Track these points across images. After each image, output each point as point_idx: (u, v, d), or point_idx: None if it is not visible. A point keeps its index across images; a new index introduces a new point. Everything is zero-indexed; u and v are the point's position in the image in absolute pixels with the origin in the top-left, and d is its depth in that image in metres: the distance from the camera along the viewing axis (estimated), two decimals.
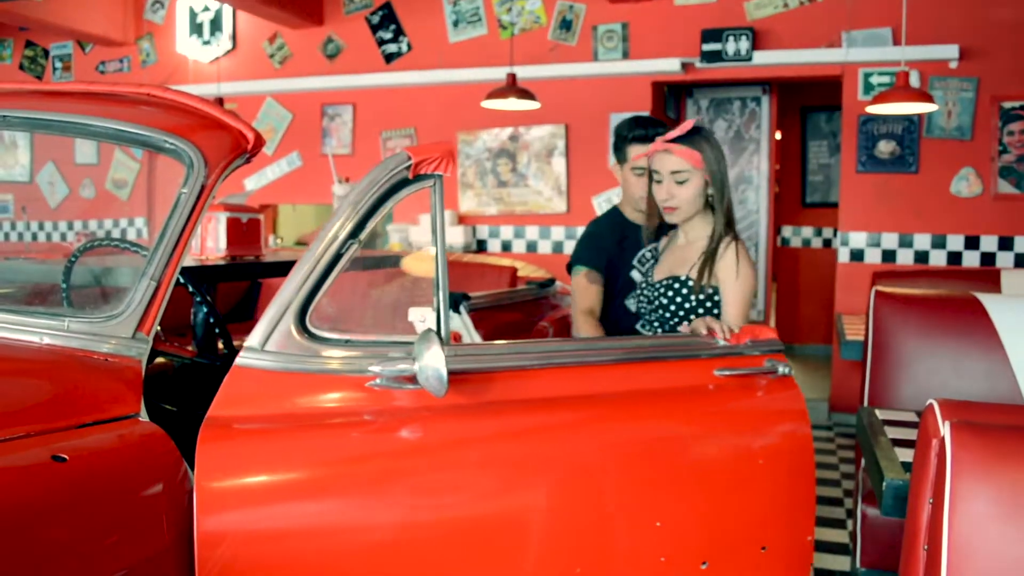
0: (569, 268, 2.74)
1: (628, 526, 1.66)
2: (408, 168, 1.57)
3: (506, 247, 6.03)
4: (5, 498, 1.13)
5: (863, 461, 2.40)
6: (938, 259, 5.16)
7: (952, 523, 1.35)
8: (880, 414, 2.28)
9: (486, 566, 1.54)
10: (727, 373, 1.80)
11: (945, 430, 1.40)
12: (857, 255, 5.31)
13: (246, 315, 4.65)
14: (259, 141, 1.69)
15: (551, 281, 3.71)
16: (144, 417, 1.41)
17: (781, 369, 1.84)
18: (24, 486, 1.17)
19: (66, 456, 1.22)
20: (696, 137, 2.30)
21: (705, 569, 1.70)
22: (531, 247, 5.95)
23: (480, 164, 6.03)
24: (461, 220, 6.07)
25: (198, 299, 2.32)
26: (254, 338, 1.49)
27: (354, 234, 1.54)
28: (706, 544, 1.73)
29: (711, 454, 1.79)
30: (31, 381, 1.41)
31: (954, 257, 5.13)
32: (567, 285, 3.02)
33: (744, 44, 5.30)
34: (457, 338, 2.46)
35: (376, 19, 6.18)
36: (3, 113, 1.72)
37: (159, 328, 1.53)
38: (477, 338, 2.62)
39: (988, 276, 4.63)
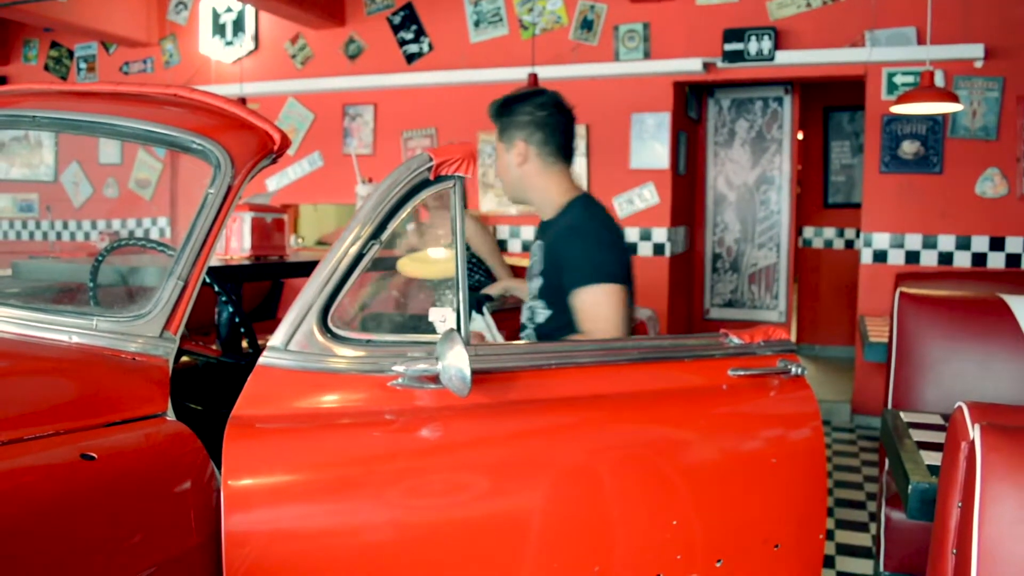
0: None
1: (646, 524, 1.66)
2: (429, 169, 1.57)
3: (527, 247, 6.03)
4: (35, 496, 1.14)
5: (887, 464, 2.38)
6: (962, 260, 5.11)
7: (982, 527, 1.33)
8: (905, 417, 2.26)
9: (508, 562, 1.54)
10: (741, 373, 1.80)
11: (975, 433, 1.39)
12: (880, 256, 5.26)
13: (268, 314, 4.68)
14: (285, 142, 1.70)
15: None
16: (171, 416, 1.43)
17: (794, 369, 1.84)
18: (54, 484, 1.18)
19: (95, 455, 1.23)
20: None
21: (720, 567, 1.71)
22: None
23: None
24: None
25: (223, 299, 2.34)
26: (277, 338, 1.50)
27: (375, 235, 1.54)
28: (721, 542, 1.74)
29: (726, 453, 1.79)
30: (60, 380, 1.42)
31: (979, 258, 5.08)
32: None
33: (766, 44, 5.27)
34: (480, 338, 2.47)
35: (398, 19, 6.19)
36: (32, 113, 1.74)
37: (185, 327, 1.55)
38: (500, 338, 2.63)
39: (1014, 277, 4.57)
